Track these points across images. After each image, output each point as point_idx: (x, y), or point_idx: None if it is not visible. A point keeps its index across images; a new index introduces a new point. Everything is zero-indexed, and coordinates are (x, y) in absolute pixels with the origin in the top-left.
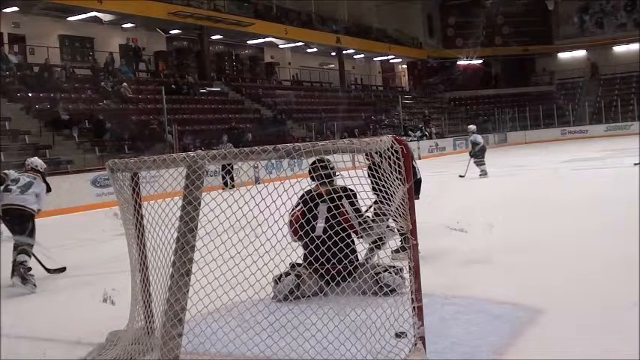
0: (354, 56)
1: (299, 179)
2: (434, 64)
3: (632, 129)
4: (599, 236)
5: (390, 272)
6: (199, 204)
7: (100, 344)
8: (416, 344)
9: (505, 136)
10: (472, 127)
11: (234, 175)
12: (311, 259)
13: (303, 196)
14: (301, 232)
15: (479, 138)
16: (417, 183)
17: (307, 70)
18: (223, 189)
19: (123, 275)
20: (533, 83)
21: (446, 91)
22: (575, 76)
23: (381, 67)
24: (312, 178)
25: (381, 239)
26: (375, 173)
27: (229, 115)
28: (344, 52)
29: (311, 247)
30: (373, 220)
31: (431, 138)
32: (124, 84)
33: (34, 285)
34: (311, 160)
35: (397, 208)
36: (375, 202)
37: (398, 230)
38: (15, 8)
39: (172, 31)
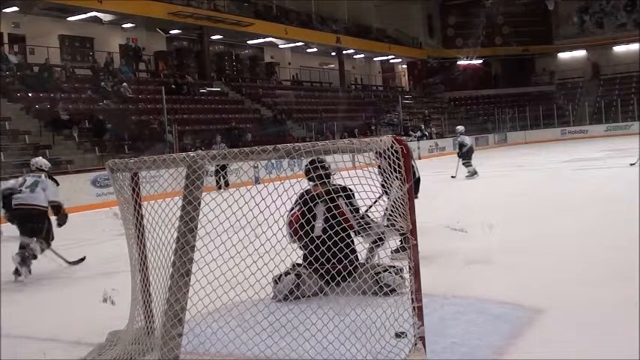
0: (354, 56)
1: (299, 179)
2: (434, 64)
3: (632, 129)
4: (599, 236)
5: (390, 272)
6: (199, 204)
7: (100, 344)
8: (416, 344)
9: (505, 136)
10: (460, 127)
11: (228, 175)
12: (311, 259)
13: (301, 196)
14: (301, 232)
15: (466, 139)
16: (416, 182)
17: (307, 70)
18: (217, 190)
19: (123, 275)
20: (533, 83)
21: (446, 91)
22: (575, 76)
23: (381, 67)
24: (311, 179)
25: (380, 238)
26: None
27: (229, 115)
28: (344, 52)
29: (311, 247)
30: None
31: (431, 138)
32: (124, 84)
33: (30, 272)
34: (308, 160)
35: (398, 208)
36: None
37: (398, 230)
38: (15, 8)
39: (172, 31)
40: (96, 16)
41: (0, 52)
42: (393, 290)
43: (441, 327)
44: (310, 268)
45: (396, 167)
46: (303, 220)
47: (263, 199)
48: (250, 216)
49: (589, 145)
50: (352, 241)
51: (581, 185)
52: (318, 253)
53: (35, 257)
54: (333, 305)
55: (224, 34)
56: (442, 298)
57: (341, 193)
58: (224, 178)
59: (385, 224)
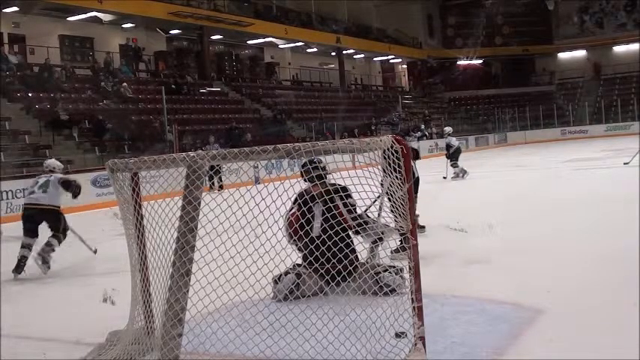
0: (354, 56)
1: (299, 179)
2: (434, 64)
3: (632, 129)
4: (599, 236)
5: (390, 272)
6: (199, 204)
7: (100, 344)
8: (416, 344)
9: (505, 136)
10: (448, 129)
11: (218, 176)
12: (311, 259)
13: (299, 197)
14: (301, 233)
15: (453, 140)
16: (415, 182)
17: (307, 70)
18: (209, 190)
19: (123, 275)
20: (533, 83)
21: (446, 91)
22: (575, 76)
23: (381, 67)
24: (310, 179)
25: (379, 237)
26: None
27: (229, 115)
28: (344, 52)
29: (311, 247)
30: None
31: (431, 138)
32: (124, 84)
33: (49, 268)
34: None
35: (398, 208)
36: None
37: (398, 230)
38: (15, 8)
39: (172, 31)
40: (96, 16)
41: (0, 52)
42: (393, 290)
43: (441, 327)
44: (310, 268)
45: (396, 167)
46: (303, 221)
47: (263, 199)
48: (250, 216)
49: (589, 145)
50: (352, 241)
51: (581, 185)
52: (318, 253)
53: (54, 250)
54: (333, 305)
55: (224, 34)
56: (442, 298)
57: (339, 193)
58: (215, 178)
59: (381, 222)
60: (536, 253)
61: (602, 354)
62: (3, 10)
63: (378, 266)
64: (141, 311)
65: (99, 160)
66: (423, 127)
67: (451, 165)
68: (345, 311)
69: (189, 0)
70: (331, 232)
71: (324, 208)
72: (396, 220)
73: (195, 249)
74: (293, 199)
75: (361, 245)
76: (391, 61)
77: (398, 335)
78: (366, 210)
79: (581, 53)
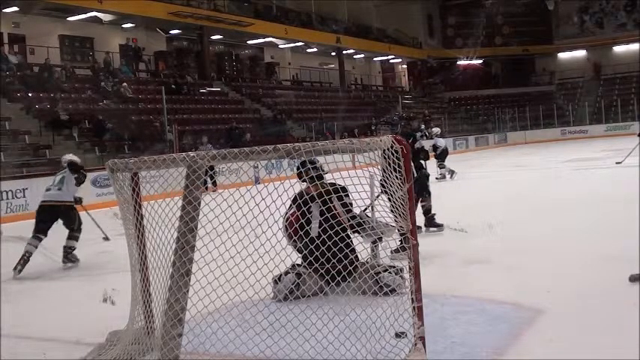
0: (354, 56)
1: (298, 179)
2: (434, 64)
3: (632, 129)
4: (599, 236)
5: (390, 272)
6: (199, 204)
7: (100, 344)
8: (416, 344)
9: (505, 136)
10: (435, 130)
11: (215, 176)
12: (311, 259)
13: (295, 199)
14: (301, 233)
15: (440, 141)
16: (424, 180)
17: (307, 70)
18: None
19: (123, 275)
20: (533, 83)
21: (446, 91)
22: (575, 76)
23: (381, 67)
24: (304, 180)
25: (378, 236)
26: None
27: (229, 115)
28: (344, 52)
29: (311, 247)
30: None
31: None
32: (124, 84)
33: (78, 260)
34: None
35: (398, 208)
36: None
37: (398, 230)
38: (15, 8)
39: (172, 31)
40: (96, 16)
41: (0, 52)
42: (393, 290)
43: (441, 327)
44: (310, 268)
45: (396, 167)
46: (303, 221)
47: (263, 199)
48: (250, 216)
49: (589, 145)
50: (351, 241)
51: (581, 185)
52: (318, 253)
53: (74, 248)
54: (333, 305)
55: (224, 34)
56: (442, 298)
57: (335, 193)
58: (211, 179)
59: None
60: (536, 253)
61: (602, 354)
62: (3, 10)
63: (378, 266)
64: (141, 311)
65: (99, 160)
66: (423, 127)
67: (437, 166)
68: (345, 311)
69: (189, 0)
70: (331, 233)
71: (323, 208)
72: (396, 220)
73: (195, 249)
74: (291, 200)
75: (361, 245)
76: (391, 61)
77: (398, 335)
78: (365, 209)
79: (581, 53)
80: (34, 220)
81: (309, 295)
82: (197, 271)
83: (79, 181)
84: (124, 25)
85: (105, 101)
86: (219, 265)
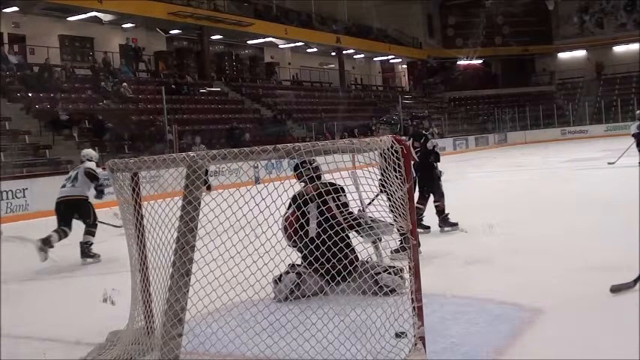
0: (354, 56)
1: (297, 180)
2: (434, 64)
3: (632, 129)
4: (599, 236)
5: (389, 272)
6: (199, 204)
7: (100, 344)
8: (416, 344)
9: (505, 136)
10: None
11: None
12: (311, 259)
13: (294, 199)
14: (301, 233)
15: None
16: (436, 180)
17: (307, 70)
18: None
19: (123, 275)
20: (533, 83)
21: (446, 91)
22: (575, 76)
23: (381, 67)
24: (307, 180)
25: (377, 235)
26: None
27: (229, 115)
28: (344, 52)
29: (311, 247)
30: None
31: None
32: (124, 84)
33: (99, 256)
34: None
35: (398, 208)
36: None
37: (398, 230)
38: (15, 8)
39: (172, 31)
40: (96, 16)
41: (0, 52)
42: (393, 290)
43: (441, 327)
44: (310, 269)
45: (396, 167)
46: (303, 221)
47: (263, 199)
48: (250, 216)
49: (589, 145)
50: (350, 240)
51: (581, 185)
52: (318, 253)
53: (92, 243)
54: (333, 305)
55: (224, 34)
56: (442, 298)
57: (331, 192)
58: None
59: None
60: (536, 253)
61: (602, 354)
62: (3, 10)
63: (378, 266)
64: (141, 311)
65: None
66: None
67: None
68: (345, 311)
69: (189, 0)
70: (331, 232)
71: (323, 208)
72: (395, 220)
73: (195, 249)
74: (288, 202)
75: (361, 245)
76: (391, 61)
77: (398, 335)
78: (365, 208)
79: (581, 53)
80: (34, 220)
81: (309, 295)
82: (197, 271)
83: (99, 192)
84: (124, 25)
85: (105, 101)
86: (219, 265)
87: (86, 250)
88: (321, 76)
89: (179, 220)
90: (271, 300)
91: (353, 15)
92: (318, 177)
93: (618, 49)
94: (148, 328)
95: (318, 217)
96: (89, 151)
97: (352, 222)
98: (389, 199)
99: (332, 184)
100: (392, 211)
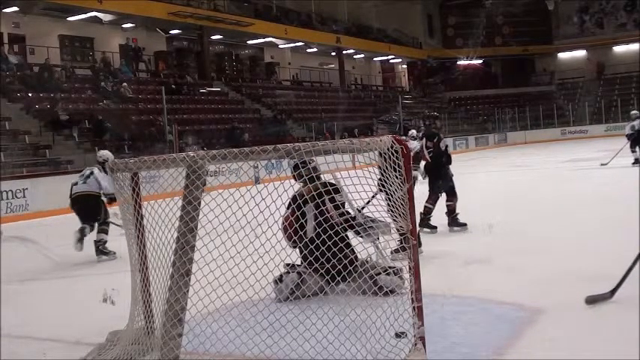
0: (354, 56)
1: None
2: (434, 64)
3: (626, 129)
4: (599, 236)
5: (389, 273)
6: (199, 204)
7: (100, 344)
8: (416, 344)
9: (505, 136)
10: (412, 131)
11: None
12: (311, 259)
13: (295, 199)
14: (301, 233)
15: (412, 144)
16: (448, 181)
17: (307, 70)
18: None
19: (123, 275)
20: (533, 83)
21: (446, 91)
22: (575, 76)
23: (381, 67)
24: (310, 180)
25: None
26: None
27: (229, 115)
28: (344, 52)
29: (311, 247)
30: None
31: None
32: (124, 84)
33: (114, 253)
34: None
35: (398, 208)
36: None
37: (398, 230)
38: (15, 8)
39: (172, 31)
40: (96, 16)
41: (0, 52)
42: (392, 291)
43: (441, 327)
44: (310, 268)
45: (396, 167)
46: (303, 221)
47: (263, 199)
48: (250, 216)
49: (589, 145)
50: (349, 240)
51: (581, 185)
52: (318, 253)
53: (106, 242)
54: (333, 305)
55: (224, 34)
56: (442, 298)
57: (326, 191)
58: None
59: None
60: (536, 253)
61: (602, 354)
62: (3, 10)
63: (378, 267)
64: (141, 311)
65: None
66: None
67: (412, 169)
68: (345, 311)
69: (189, 0)
70: (331, 233)
71: (323, 208)
72: (395, 220)
73: (195, 249)
74: (288, 202)
75: (361, 245)
76: (391, 61)
77: (398, 335)
78: (362, 208)
79: (581, 53)
80: (34, 220)
81: (309, 295)
82: (197, 271)
83: (110, 200)
84: (124, 25)
85: (105, 101)
86: (219, 265)
87: (100, 248)
88: (321, 76)
89: (179, 220)
90: (271, 300)
91: (353, 15)
92: (318, 177)
93: (618, 49)
94: (148, 328)
95: (318, 217)
96: (105, 153)
97: (346, 222)
98: (388, 199)
99: (332, 184)
100: (391, 211)
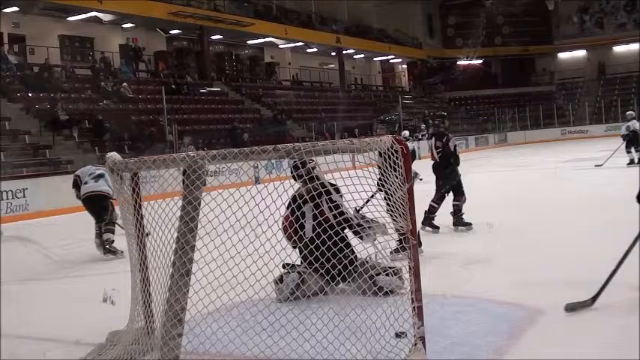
0: (354, 56)
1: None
2: (434, 64)
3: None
4: (599, 236)
5: (388, 273)
6: (199, 204)
7: (100, 344)
8: (416, 344)
9: (505, 136)
10: (405, 132)
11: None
12: (311, 259)
13: (294, 199)
14: (301, 233)
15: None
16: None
17: (307, 70)
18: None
19: (123, 275)
20: (533, 83)
21: (446, 91)
22: (575, 76)
23: (381, 67)
24: (310, 180)
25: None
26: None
27: (229, 115)
28: (344, 52)
29: (311, 247)
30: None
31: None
32: (124, 84)
33: (122, 252)
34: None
35: (398, 208)
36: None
37: (398, 230)
38: (15, 8)
39: (172, 31)
40: (96, 16)
41: (0, 52)
42: (391, 291)
43: (441, 327)
44: (310, 269)
45: (396, 167)
46: (303, 221)
47: (263, 199)
48: (250, 216)
49: (589, 145)
50: (348, 240)
51: (581, 185)
52: (318, 253)
53: (113, 241)
54: (333, 305)
55: (224, 34)
56: (442, 298)
57: (325, 191)
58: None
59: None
60: (537, 253)
61: (602, 354)
62: (3, 10)
63: (378, 267)
64: (141, 311)
65: (99, 160)
66: (423, 126)
67: None
68: (345, 311)
69: (189, 0)
70: (331, 232)
71: (323, 208)
72: (395, 220)
73: (195, 249)
74: (287, 202)
75: (360, 244)
76: (391, 61)
77: (398, 335)
78: (361, 208)
79: (581, 53)
80: (34, 220)
81: (309, 295)
82: (197, 271)
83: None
84: (124, 25)
85: (105, 101)
86: (219, 265)
87: (107, 246)
88: (321, 76)
89: (179, 220)
90: (271, 300)
91: (353, 15)
92: (317, 177)
93: (618, 49)
94: (148, 328)
95: (317, 217)
96: (114, 155)
97: (343, 221)
98: (388, 199)
99: (332, 184)
100: (391, 211)
